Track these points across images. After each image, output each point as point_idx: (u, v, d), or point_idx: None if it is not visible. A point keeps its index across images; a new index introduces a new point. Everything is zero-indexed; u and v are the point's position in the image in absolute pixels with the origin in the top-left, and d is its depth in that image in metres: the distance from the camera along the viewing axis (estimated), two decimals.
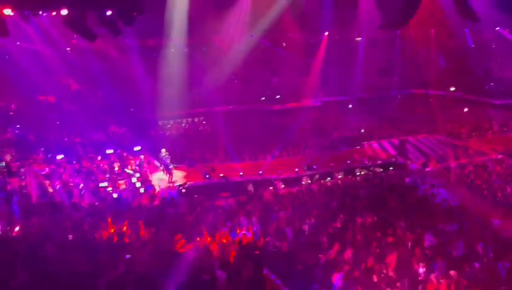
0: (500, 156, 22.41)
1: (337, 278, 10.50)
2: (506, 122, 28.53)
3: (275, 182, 19.71)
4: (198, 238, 12.35)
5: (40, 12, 15.45)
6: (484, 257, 11.73)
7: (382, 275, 10.76)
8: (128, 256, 7.77)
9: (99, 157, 21.40)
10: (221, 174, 20.32)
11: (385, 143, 25.88)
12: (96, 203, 16.60)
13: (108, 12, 11.40)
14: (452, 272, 10.56)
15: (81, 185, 18.31)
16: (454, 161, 22.83)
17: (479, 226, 13.81)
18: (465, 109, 31.25)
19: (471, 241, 12.60)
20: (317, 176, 20.74)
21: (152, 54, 28.21)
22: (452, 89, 34.00)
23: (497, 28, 31.47)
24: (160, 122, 28.23)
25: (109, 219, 12.61)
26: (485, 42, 32.73)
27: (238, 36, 28.90)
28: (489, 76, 33.14)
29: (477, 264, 11.23)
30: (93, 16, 12.00)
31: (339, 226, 13.92)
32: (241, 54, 28.10)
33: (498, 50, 32.71)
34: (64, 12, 11.56)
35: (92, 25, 12.25)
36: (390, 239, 12.49)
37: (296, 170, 21.24)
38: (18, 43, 25.23)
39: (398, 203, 15.80)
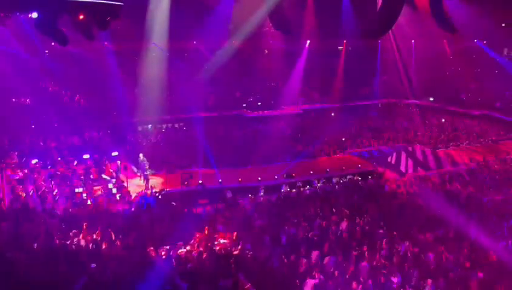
0: (476, 166, 22.71)
1: (309, 285, 10.43)
2: (483, 132, 28.98)
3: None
4: (174, 246, 12.15)
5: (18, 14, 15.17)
6: (460, 267, 11.78)
7: (358, 284, 10.72)
8: (93, 265, 7.53)
9: (75, 163, 20.96)
10: (200, 181, 20.13)
11: (364, 152, 26.06)
12: (70, 210, 16.20)
13: (81, 17, 11.13)
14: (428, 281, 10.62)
15: (56, 190, 17.86)
16: (432, 170, 23.10)
17: (456, 235, 13.92)
18: (443, 119, 31.67)
19: (447, 250, 12.68)
20: (299, 184, 20.73)
21: (132, 58, 27.97)
22: (431, 99, 34.51)
23: (475, 40, 32.13)
24: (139, 128, 27.81)
25: (84, 226, 12.32)
26: (464, 53, 33.32)
27: (220, 42, 28.88)
28: (468, 87, 33.73)
29: (452, 274, 11.28)
30: (67, 20, 11.72)
31: (317, 234, 13.86)
32: (223, 60, 28.06)
33: (477, 61, 33.33)
34: (34, 15, 11.25)
35: (66, 29, 11.98)
36: (365, 248, 12.48)
37: (276, 177, 21.18)
38: None
39: (377, 211, 15.84)
